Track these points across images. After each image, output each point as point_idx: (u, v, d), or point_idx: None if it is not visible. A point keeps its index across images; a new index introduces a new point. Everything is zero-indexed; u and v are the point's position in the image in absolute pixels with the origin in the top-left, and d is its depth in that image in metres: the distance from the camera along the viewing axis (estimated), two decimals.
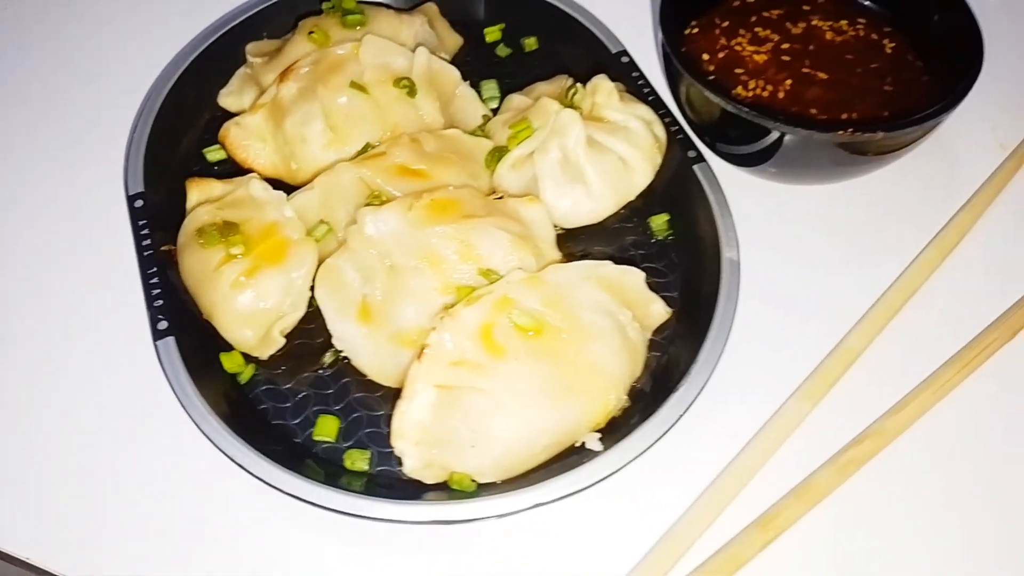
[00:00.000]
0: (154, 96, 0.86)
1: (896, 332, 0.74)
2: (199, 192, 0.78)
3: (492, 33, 0.95)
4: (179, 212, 0.78)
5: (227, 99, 0.89)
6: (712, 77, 0.79)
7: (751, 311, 0.73)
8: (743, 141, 0.76)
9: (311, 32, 0.84)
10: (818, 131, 0.70)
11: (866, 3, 0.85)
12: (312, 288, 0.71)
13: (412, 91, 0.80)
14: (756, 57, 0.80)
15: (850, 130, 0.69)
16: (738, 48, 0.81)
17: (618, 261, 0.76)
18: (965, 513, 0.65)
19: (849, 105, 0.76)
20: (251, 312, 0.70)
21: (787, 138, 0.71)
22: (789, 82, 0.78)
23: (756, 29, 0.83)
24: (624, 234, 0.80)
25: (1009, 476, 0.67)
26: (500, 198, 0.76)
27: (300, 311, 0.71)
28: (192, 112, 0.89)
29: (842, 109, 0.76)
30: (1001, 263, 0.78)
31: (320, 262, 0.72)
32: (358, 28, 0.85)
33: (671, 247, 0.79)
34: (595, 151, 0.77)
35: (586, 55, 0.90)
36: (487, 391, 0.63)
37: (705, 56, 0.81)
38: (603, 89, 0.78)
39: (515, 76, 0.92)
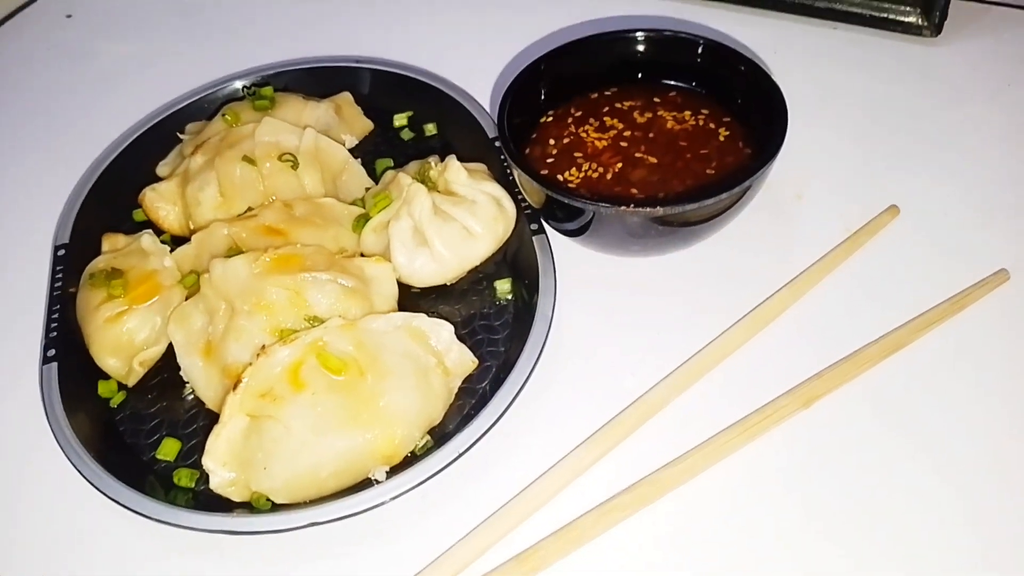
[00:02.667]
0: (98, 163, 1.02)
1: (696, 393, 0.78)
2: (108, 243, 0.92)
3: (399, 119, 1.07)
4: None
5: (162, 168, 1.03)
6: (552, 160, 0.88)
7: (560, 364, 0.80)
8: (558, 217, 0.84)
9: (225, 115, 0.98)
10: (607, 206, 0.77)
11: (712, 96, 0.93)
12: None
13: (295, 165, 0.92)
14: (597, 143, 0.89)
15: (631, 205, 0.76)
16: (583, 135, 0.90)
17: (461, 319, 0.85)
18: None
19: (667, 186, 0.84)
20: (117, 344, 0.82)
21: (587, 213, 0.79)
22: (619, 165, 0.87)
23: (605, 118, 0.92)
24: (471, 295, 0.89)
25: (766, 547, 0.69)
26: (353, 256, 0.86)
27: (161, 346, 0.83)
28: (133, 179, 1.03)
29: (660, 189, 0.84)
30: (814, 338, 0.82)
31: None
32: (266, 112, 0.99)
33: (509, 308, 0.87)
34: (441, 220, 0.86)
35: (469, 138, 1.01)
36: (281, 420, 0.71)
37: (551, 141, 0.90)
38: (452, 167, 0.88)
39: (411, 156, 1.03)
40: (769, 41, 1.13)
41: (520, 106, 0.90)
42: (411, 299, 0.87)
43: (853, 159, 0.98)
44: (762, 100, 0.86)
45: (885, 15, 1.11)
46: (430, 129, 1.06)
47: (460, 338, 0.81)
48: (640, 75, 0.95)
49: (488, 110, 1.02)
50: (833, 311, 0.84)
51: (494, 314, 0.87)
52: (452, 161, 0.89)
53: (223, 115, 0.99)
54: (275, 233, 0.86)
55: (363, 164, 0.99)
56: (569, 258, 0.87)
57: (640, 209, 0.76)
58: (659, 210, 0.76)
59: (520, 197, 0.90)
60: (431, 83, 1.06)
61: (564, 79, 0.94)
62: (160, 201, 0.96)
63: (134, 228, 0.98)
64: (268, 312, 0.78)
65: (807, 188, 0.95)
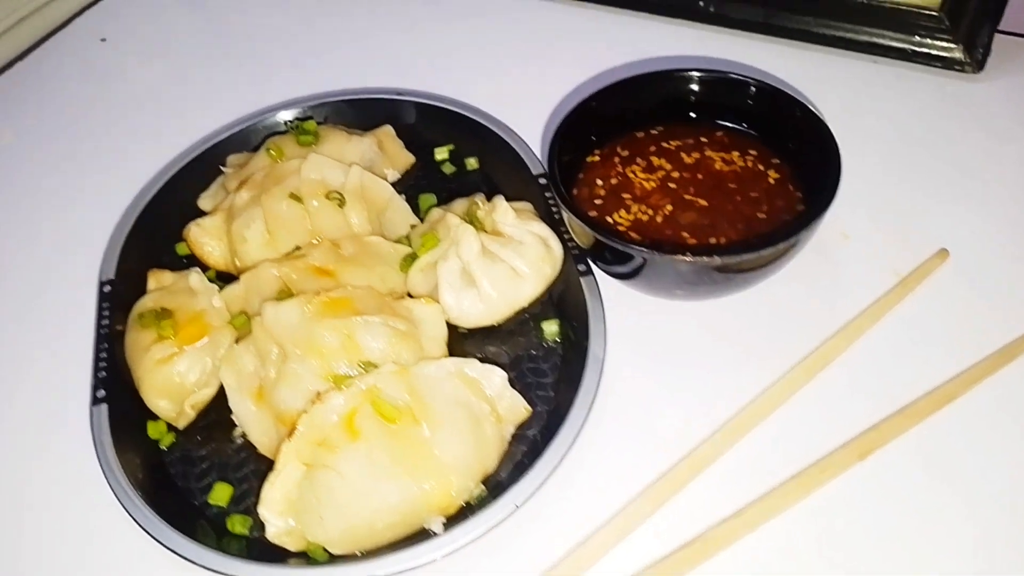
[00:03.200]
0: (141, 197, 1.01)
1: (749, 444, 0.78)
2: (155, 280, 0.91)
3: (441, 153, 1.07)
4: (141, 294, 0.92)
5: (204, 201, 1.03)
6: (600, 201, 0.88)
7: (613, 411, 0.79)
8: (607, 260, 0.84)
9: (269, 149, 0.98)
10: (660, 254, 0.77)
11: (760, 137, 0.92)
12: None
13: (341, 202, 0.92)
14: (646, 184, 0.89)
15: (688, 254, 0.76)
16: (631, 175, 0.90)
17: (509, 360, 0.85)
18: None
19: (717, 230, 0.84)
20: (168, 385, 0.81)
21: (639, 259, 0.79)
22: (669, 207, 0.86)
23: (652, 158, 0.91)
24: (518, 336, 0.88)
25: None
26: (401, 298, 0.86)
27: (212, 388, 0.82)
28: (176, 210, 1.03)
29: (710, 234, 0.83)
30: (866, 387, 0.81)
31: None
32: (310, 147, 0.99)
33: (557, 350, 0.86)
34: (488, 261, 0.86)
35: (512, 174, 1.01)
36: (337, 469, 0.71)
37: (599, 182, 0.90)
38: (499, 208, 0.88)
39: (454, 191, 1.03)
40: (810, 74, 1.12)
41: (567, 145, 0.90)
42: (458, 339, 0.87)
43: (898, 197, 0.98)
44: (813, 145, 0.86)
45: (927, 50, 1.11)
46: (472, 163, 1.06)
47: (509, 381, 0.81)
48: (687, 114, 0.95)
49: (530, 145, 1.02)
50: (884, 359, 0.83)
51: (542, 356, 0.86)
52: (500, 202, 0.89)
53: (267, 150, 0.98)
54: (324, 274, 0.86)
55: (406, 199, 0.99)
56: (617, 298, 0.87)
57: (696, 259, 0.76)
58: (716, 259, 0.76)
59: (567, 237, 0.90)
60: (472, 117, 1.06)
61: (611, 118, 0.93)
62: (205, 237, 0.96)
63: (177, 261, 0.99)
64: (320, 356, 0.77)
65: (853, 227, 0.95)
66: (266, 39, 1.32)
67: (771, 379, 0.81)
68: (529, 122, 1.05)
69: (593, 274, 0.87)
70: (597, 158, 0.93)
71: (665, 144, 0.93)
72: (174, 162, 1.05)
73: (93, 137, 1.19)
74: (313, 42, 1.30)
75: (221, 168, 1.05)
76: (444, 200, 1.01)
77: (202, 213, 1.03)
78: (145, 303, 0.87)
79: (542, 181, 0.97)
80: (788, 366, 0.82)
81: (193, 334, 0.83)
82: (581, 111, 0.91)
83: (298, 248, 0.90)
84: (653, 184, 0.89)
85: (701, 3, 1.20)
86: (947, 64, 1.10)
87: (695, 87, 0.94)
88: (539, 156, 1.00)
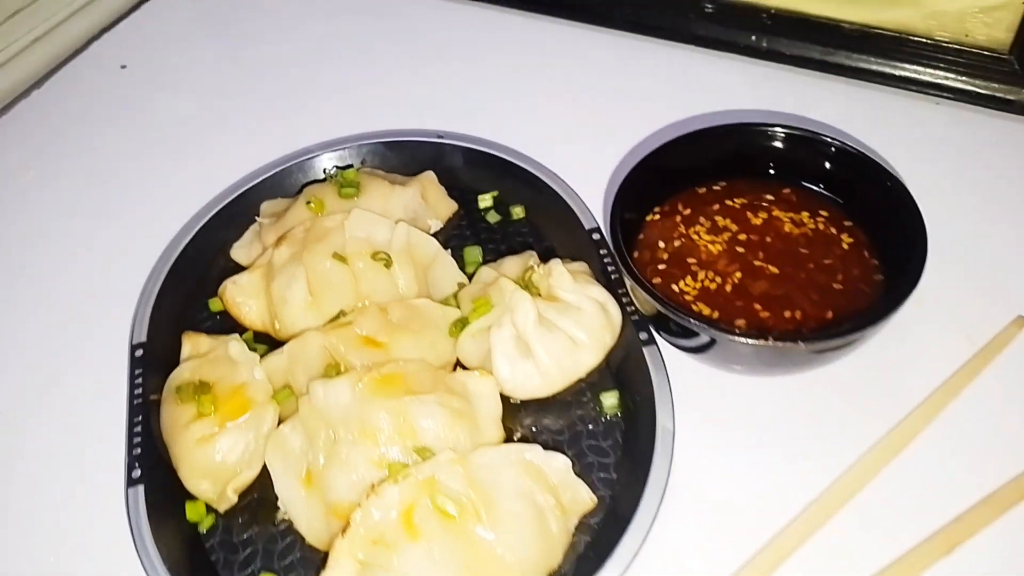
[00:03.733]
0: (171, 249, 0.96)
1: (827, 536, 0.73)
2: (191, 345, 0.87)
3: (484, 200, 1.02)
4: (175, 359, 0.87)
5: (238, 252, 0.98)
6: (663, 266, 0.83)
7: (684, 497, 0.75)
8: (673, 332, 0.79)
9: (309, 201, 0.93)
10: (735, 336, 0.72)
11: (829, 196, 0.87)
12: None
13: (388, 263, 0.87)
14: (711, 247, 0.84)
15: (770, 339, 0.71)
16: (695, 237, 0.85)
17: (567, 436, 0.80)
18: None
19: (792, 302, 0.79)
20: (209, 466, 0.77)
21: (709, 337, 0.74)
22: (738, 275, 0.81)
23: (716, 218, 0.86)
24: (575, 408, 0.84)
25: None
26: (454, 369, 0.81)
27: (255, 470, 0.78)
28: (206, 261, 0.99)
29: (785, 306, 0.79)
30: (951, 469, 0.77)
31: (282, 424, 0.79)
32: (352, 199, 0.94)
33: (618, 426, 0.82)
34: (545, 329, 0.81)
35: (562, 227, 0.96)
36: (395, 571, 0.67)
37: (661, 244, 0.85)
38: (556, 272, 0.83)
39: (499, 242, 0.98)
40: (869, 114, 1.07)
41: (627, 202, 0.85)
42: (510, 411, 0.82)
43: (969, 255, 0.93)
44: (893, 211, 0.81)
45: (995, 93, 1.06)
46: (517, 212, 1.01)
47: (569, 458, 0.76)
48: (750, 170, 0.90)
49: (579, 194, 0.97)
50: (964, 439, 0.78)
51: (602, 432, 0.82)
52: (556, 266, 0.84)
53: (308, 202, 0.93)
54: (373, 345, 0.81)
55: (450, 251, 0.94)
56: (680, 368, 0.82)
57: (777, 344, 0.71)
58: (800, 346, 0.71)
59: (625, 300, 0.85)
60: (519, 163, 1.01)
61: (671, 173, 0.89)
62: (242, 296, 0.91)
63: (211, 318, 0.94)
64: (374, 441, 0.73)
65: (925, 288, 0.89)
66: (297, 71, 1.26)
67: (847, 459, 0.77)
68: (579, 170, 1.00)
69: (656, 343, 0.82)
70: (657, 216, 0.88)
71: (729, 202, 0.88)
72: (205, 209, 1.00)
73: (117, 177, 1.13)
74: (347, 77, 1.24)
75: (255, 218, 1.00)
76: (490, 253, 0.97)
77: (235, 265, 0.98)
78: (182, 374, 0.82)
79: (596, 236, 0.92)
80: (864, 447, 0.78)
81: (235, 410, 0.78)
82: (644, 167, 0.86)
83: (343, 312, 0.86)
84: (719, 248, 0.84)
85: (753, 38, 1.14)
86: (1017, 109, 1.05)
87: (763, 142, 0.89)
88: (590, 207, 0.95)
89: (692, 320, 0.74)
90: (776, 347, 0.71)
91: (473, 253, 0.96)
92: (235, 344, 0.83)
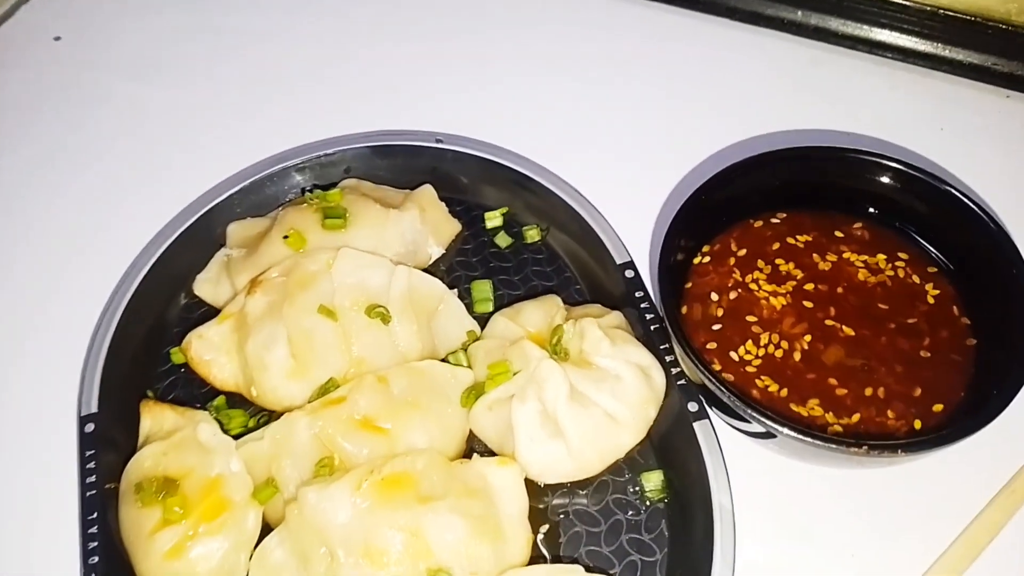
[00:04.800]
0: (123, 286, 0.81)
1: None
2: (152, 419, 0.73)
3: (493, 219, 0.87)
4: (133, 428, 0.73)
5: (203, 287, 0.83)
6: (719, 326, 0.70)
7: None
8: (730, 414, 0.66)
9: (286, 236, 0.78)
10: (810, 439, 0.60)
11: (911, 233, 0.74)
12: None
13: (386, 318, 0.73)
14: (773, 301, 0.71)
15: (856, 447, 0.59)
16: (753, 287, 0.72)
17: (603, 528, 0.69)
18: None
19: (873, 375, 0.66)
20: None
21: (778, 434, 0.62)
22: (808, 338, 0.69)
23: (777, 261, 0.73)
24: (612, 490, 0.71)
25: None
26: (467, 445, 0.69)
27: None
28: (165, 299, 0.83)
29: (865, 381, 0.66)
30: None
31: (265, 526, 0.66)
32: (339, 231, 0.78)
33: (664, 515, 0.70)
34: (578, 405, 0.68)
35: (587, 258, 0.82)
36: None
37: (714, 296, 0.71)
38: (591, 336, 0.70)
39: (511, 273, 0.84)
40: (933, 110, 0.93)
41: (674, 243, 0.71)
42: (535, 492, 0.70)
43: None
44: (987, 261, 0.68)
45: None
46: (532, 235, 0.86)
47: (606, 556, 0.66)
48: (811, 199, 0.76)
49: (607, 219, 0.82)
50: None
51: (646, 523, 0.70)
52: (591, 329, 0.70)
53: (284, 237, 0.78)
54: (373, 430, 0.68)
55: (456, 290, 0.80)
56: (737, 447, 0.70)
57: (862, 453, 0.59)
58: (885, 455, 0.59)
59: (670, 359, 0.72)
60: (533, 175, 0.86)
61: (722, 205, 0.74)
62: (210, 352, 0.76)
63: (173, 373, 0.79)
64: (380, 563, 0.60)
65: None
66: (268, 53, 1.05)
67: (926, 559, 0.66)
68: (609, 190, 0.85)
69: (709, 417, 0.69)
70: (707, 260, 0.74)
71: (791, 240, 0.74)
72: (161, 234, 0.84)
73: (50, 185, 0.94)
74: (329, 64, 1.04)
75: (222, 245, 0.84)
76: (502, 286, 0.83)
77: (199, 302, 0.83)
78: (143, 464, 0.68)
79: (629, 274, 0.78)
80: (944, 543, 0.67)
81: (208, 512, 0.65)
82: (703, 195, 0.71)
83: (333, 382, 0.71)
84: (783, 302, 0.71)
85: (800, 13, 0.98)
86: None
87: (831, 167, 0.74)
88: (621, 236, 0.81)
89: (757, 415, 0.61)
90: (856, 455, 0.59)
91: (482, 289, 0.82)
92: (205, 428, 0.69)
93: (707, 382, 0.63)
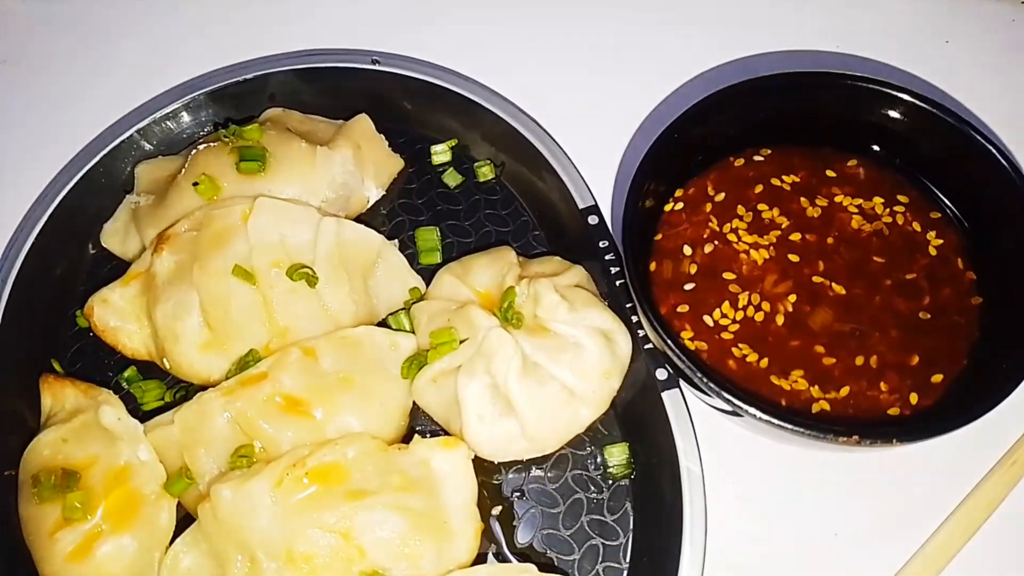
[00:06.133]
0: (18, 239, 0.71)
1: None
2: (52, 397, 0.65)
3: (440, 153, 0.77)
4: (34, 404, 0.65)
5: (111, 239, 0.73)
6: (691, 285, 0.61)
7: None
8: (704, 392, 0.58)
9: (196, 183, 0.67)
10: (790, 425, 0.52)
11: (913, 173, 0.64)
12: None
13: (312, 280, 0.64)
14: (754, 254, 0.62)
15: (845, 436, 0.51)
16: (732, 238, 0.63)
17: (564, 508, 0.62)
18: None
19: (866, 342, 0.59)
20: None
21: (753, 419, 0.54)
22: (792, 298, 0.60)
23: (760, 207, 0.64)
24: (572, 465, 0.64)
25: None
26: (411, 432, 0.61)
27: None
28: (68, 252, 0.74)
29: (856, 349, 0.58)
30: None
31: (180, 519, 0.59)
32: (257, 175, 0.68)
33: (628, 493, 0.63)
34: (532, 379, 0.61)
35: (546, 199, 0.73)
36: None
37: (687, 250, 0.62)
38: (546, 301, 0.61)
39: (462, 217, 0.75)
40: (941, 20, 0.82)
41: (643, 186, 0.61)
42: (485, 471, 0.63)
43: None
44: (999, 203, 0.59)
45: None
46: (484, 172, 0.76)
47: (565, 540, 0.60)
48: (803, 134, 0.66)
49: (568, 154, 0.72)
50: None
51: (608, 501, 0.63)
52: (547, 292, 0.61)
53: (194, 184, 0.67)
54: (298, 412, 0.59)
55: (394, 231, 0.71)
56: (707, 417, 0.63)
57: (853, 444, 0.51)
58: (878, 445, 0.52)
59: (636, 320, 0.63)
60: (485, 103, 0.74)
61: (698, 143, 0.64)
62: (116, 318, 0.67)
63: (81, 338, 0.70)
64: (307, 569, 0.54)
65: None
66: None
67: (920, 536, 0.60)
68: (569, 120, 0.74)
69: (679, 386, 0.61)
70: (680, 205, 0.64)
71: (776, 182, 0.65)
72: (59, 179, 0.74)
73: None
74: None
75: (127, 190, 0.74)
76: (451, 233, 0.73)
77: (108, 255, 0.73)
78: (40, 453, 0.60)
79: (593, 220, 0.68)
80: (938, 520, 0.61)
81: (117, 509, 0.58)
82: (671, 134, 0.61)
83: (254, 354, 0.63)
84: (765, 255, 0.62)
85: None
86: None
87: (823, 96, 0.64)
88: (584, 175, 0.71)
89: (725, 394, 0.53)
90: (841, 444, 0.52)
91: (428, 238, 0.72)
92: (108, 411, 0.60)
93: (673, 356, 0.55)
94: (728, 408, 0.55)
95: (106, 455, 0.59)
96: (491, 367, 0.60)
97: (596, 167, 0.71)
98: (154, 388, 0.66)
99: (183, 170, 0.70)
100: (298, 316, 0.64)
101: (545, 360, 0.61)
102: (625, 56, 0.81)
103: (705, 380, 0.54)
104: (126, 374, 0.67)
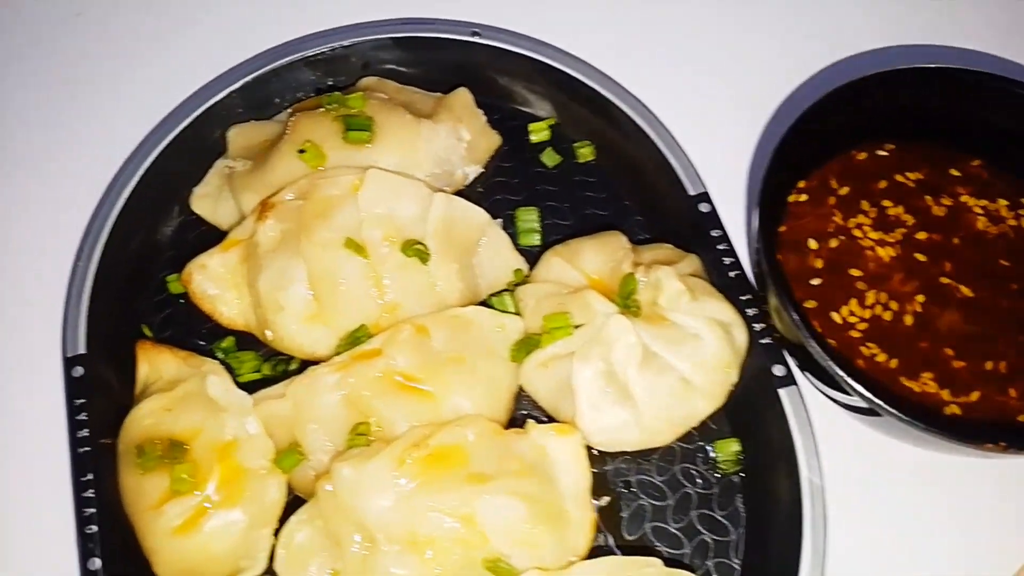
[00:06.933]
0: (107, 204, 0.68)
1: None
2: (149, 364, 0.63)
3: (538, 131, 0.75)
4: (127, 369, 0.63)
5: (200, 203, 0.71)
6: (818, 280, 0.60)
7: None
8: (839, 389, 0.57)
9: (301, 150, 0.65)
10: (936, 429, 0.51)
11: None
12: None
13: (424, 257, 0.62)
14: (880, 251, 0.61)
15: (991, 443, 0.50)
16: (857, 234, 0.61)
17: (674, 501, 0.61)
18: None
19: (994, 347, 0.58)
20: (194, 563, 0.56)
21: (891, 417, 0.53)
22: (921, 298, 0.59)
23: (884, 203, 0.62)
24: (681, 459, 0.63)
25: None
26: (525, 417, 0.60)
27: (257, 568, 0.57)
28: (155, 216, 0.72)
29: (985, 353, 0.57)
30: None
31: (290, 497, 0.57)
32: (364, 145, 0.66)
33: (739, 490, 0.62)
34: (651, 369, 0.59)
35: (652, 186, 0.71)
36: None
37: (812, 243, 0.61)
38: (669, 290, 0.60)
39: (560, 199, 0.73)
40: None
41: (775, 176, 0.59)
42: (590, 459, 0.62)
43: None
44: None
45: None
46: (584, 153, 0.74)
47: (673, 534, 0.60)
48: (926, 131, 0.64)
49: (676, 138, 0.70)
50: None
51: (718, 497, 0.62)
52: (670, 280, 0.60)
53: (300, 151, 0.65)
54: (413, 392, 0.58)
55: (493, 214, 0.69)
56: (822, 414, 0.62)
57: (999, 452, 0.51)
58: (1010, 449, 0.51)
59: (751, 313, 0.62)
60: (588, 81, 0.72)
61: (820, 134, 0.63)
62: (215, 287, 0.65)
63: (171, 305, 0.68)
64: (428, 553, 0.52)
65: None
66: None
67: None
68: (679, 102, 0.72)
69: (797, 383, 0.60)
70: (803, 197, 0.63)
71: (900, 178, 0.63)
72: (149, 141, 0.71)
73: (14, 89, 0.79)
74: None
75: (222, 155, 0.72)
76: (550, 215, 0.71)
77: (197, 219, 0.71)
78: (142, 422, 0.59)
79: (704, 208, 0.67)
80: None
81: (225, 484, 0.56)
82: (806, 121, 0.59)
83: (363, 329, 0.61)
84: (891, 253, 0.61)
85: None
86: None
87: (943, 92, 0.62)
88: (692, 160, 0.69)
89: (868, 392, 0.52)
90: (983, 450, 0.51)
91: (528, 218, 0.71)
92: (215, 381, 0.59)
93: (811, 349, 0.54)
94: (864, 406, 0.54)
95: (211, 427, 0.58)
96: (609, 355, 0.59)
97: (707, 152, 0.69)
98: (250, 360, 0.65)
99: (284, 136, 0.68)
100: (408, 293, 0.62)
101: (663, 350, 0.59)
102: (736, 36, 0.79)
103: (847, 377, 0.52)
104: (223, 344, 0.65)
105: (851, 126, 0.63)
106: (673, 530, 0.61)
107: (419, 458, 0.54)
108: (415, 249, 0.61)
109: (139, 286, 0.70)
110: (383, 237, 0.62)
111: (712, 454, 0.63)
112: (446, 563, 0.52)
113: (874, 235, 0.61)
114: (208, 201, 0.71)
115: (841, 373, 0.53)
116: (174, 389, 0.59)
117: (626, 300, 0.60)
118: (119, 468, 0.59)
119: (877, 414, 0.55)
